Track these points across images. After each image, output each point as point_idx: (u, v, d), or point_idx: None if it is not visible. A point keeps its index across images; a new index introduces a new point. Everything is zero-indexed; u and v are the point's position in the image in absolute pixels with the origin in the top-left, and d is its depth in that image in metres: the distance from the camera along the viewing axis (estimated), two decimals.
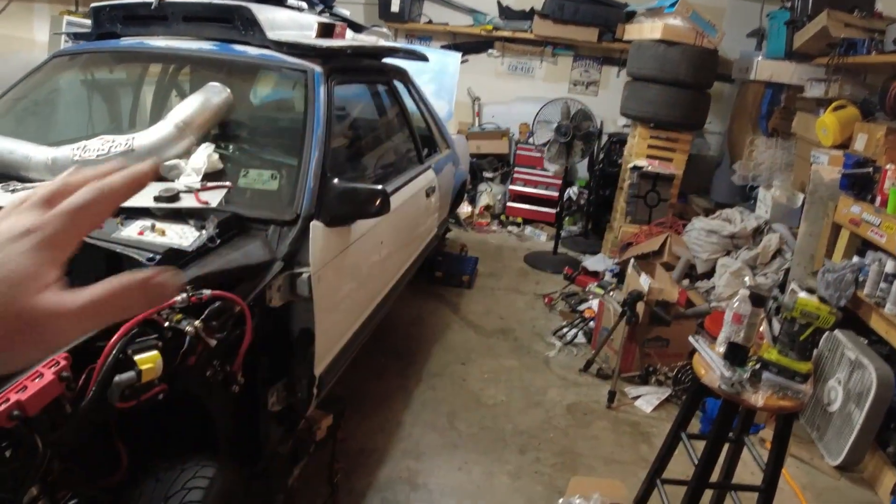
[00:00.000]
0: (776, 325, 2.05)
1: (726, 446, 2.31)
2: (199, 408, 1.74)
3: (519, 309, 4.55)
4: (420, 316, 4.25)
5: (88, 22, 2.86)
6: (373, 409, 3.16)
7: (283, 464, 2.49)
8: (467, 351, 3.85)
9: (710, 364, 2.07)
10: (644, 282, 3.60)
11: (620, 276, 4.77)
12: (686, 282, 4.47)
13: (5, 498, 1.15)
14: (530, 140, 6.05)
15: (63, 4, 4.52)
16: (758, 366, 2.00)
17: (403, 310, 4.25)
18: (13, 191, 1.96)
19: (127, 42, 2.74)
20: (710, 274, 4.51)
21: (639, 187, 5.18)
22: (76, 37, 2.96)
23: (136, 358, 1.33)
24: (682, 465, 2.58)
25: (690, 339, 2.27)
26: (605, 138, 6.39)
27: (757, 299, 2.09)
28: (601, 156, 6.34)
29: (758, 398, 1.94)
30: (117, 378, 1.29)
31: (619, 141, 6.15)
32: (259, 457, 2.07)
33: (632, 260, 4.18)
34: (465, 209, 6.37)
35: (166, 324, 1.45)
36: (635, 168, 5.19)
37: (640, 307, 3.50)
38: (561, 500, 2.38)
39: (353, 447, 2.86)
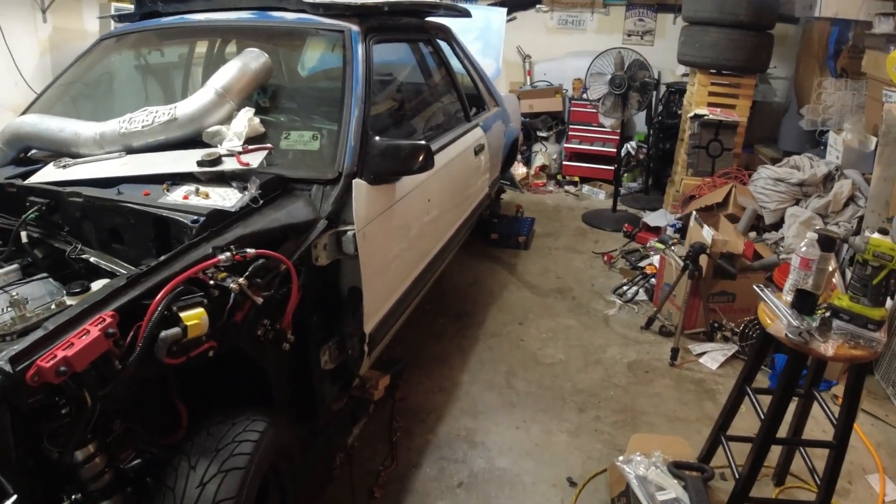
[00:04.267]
0: (850, 275, 1.92)
1: (795, 401, 2.19)
2: (258, 369, 1.77)
3: (577, 268, 4.46)
4: (477, 278, 4.22)
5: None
6: (431, 369, 3.17)
7: (343, 423, 2.54)
8: (524, 311, 3.81)
9: (777, 313, 1.97)
10: (707, 234, 3.44)
11: (682, 231, 4.60)
12: (753, 234, 4.27)
13: (59, 451, 1.19)
14: (584, 95, 5.86)
15: None
16: (827, 313, 1.88)
17: (461, 272, 4.23)
18: (64, 166, 2.02)
19: (168, 19, 2.78)
20: (778, 225, 4.31)
21: (700, 137, 4.96)
22: (120, 19, 3.02)
23: (182, 315, 1.35)
24: (748, 423, 2.49)
25: (755, 287, 2.16)
26: (663, 89, 6.15)
27: (826, 242, 1.95)
28: (660, 107, 6.11)
29: (828, 348, 1.83)
30: (163, 334, 1.32)
31: (678, 91, 5.91)
32: (316, 414, 2.11)
33: (693, 212, 4.01)
34: (520, 170, 6.25)
35: (211, 282, 1.47)
36: (696, 117, 4.96)
37: (704, 260, 3.36)
38: (621, 458, 2.32)
39: (412, 406, 2.88)
